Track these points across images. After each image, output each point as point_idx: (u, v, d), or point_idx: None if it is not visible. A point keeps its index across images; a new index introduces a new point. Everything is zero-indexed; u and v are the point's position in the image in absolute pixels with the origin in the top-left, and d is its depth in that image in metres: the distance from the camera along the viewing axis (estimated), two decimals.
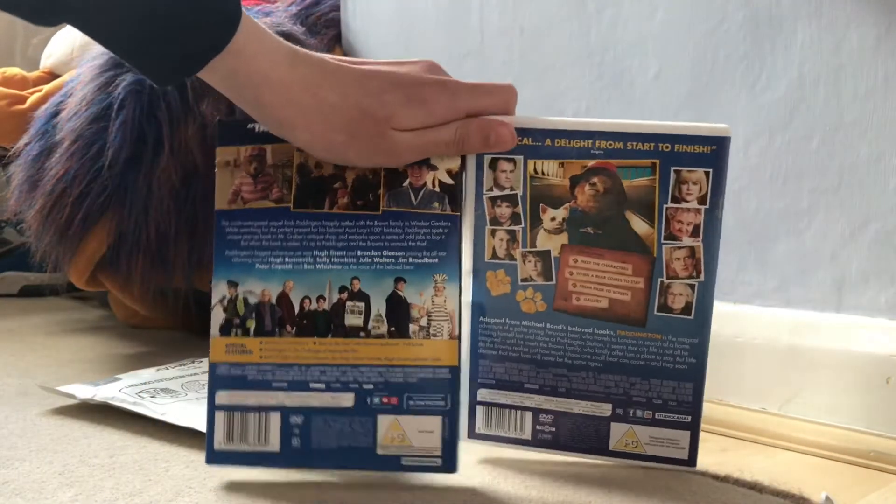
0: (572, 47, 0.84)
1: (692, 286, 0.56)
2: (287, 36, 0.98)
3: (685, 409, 0.58)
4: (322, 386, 0.57)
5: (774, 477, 0.59)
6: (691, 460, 0.58)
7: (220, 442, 0.58)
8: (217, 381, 0.58)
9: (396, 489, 0.56)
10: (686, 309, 0.56)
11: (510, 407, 0.60)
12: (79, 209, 0.91)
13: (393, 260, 0.57)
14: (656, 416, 0.58)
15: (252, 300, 0.58)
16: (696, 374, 0.57)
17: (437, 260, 0.57)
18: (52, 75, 1.29)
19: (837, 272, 0.68)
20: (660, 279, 0.56)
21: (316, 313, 0.58)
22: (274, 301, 0.58)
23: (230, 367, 0.58)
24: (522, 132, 0.57)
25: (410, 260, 0.57)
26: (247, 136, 0.59)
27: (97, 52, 0.96)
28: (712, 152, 0.55)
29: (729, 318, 0.73)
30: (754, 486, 0.57)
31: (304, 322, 0.58)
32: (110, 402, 0.72)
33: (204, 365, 0.85)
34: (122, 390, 0.74)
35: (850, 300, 0.68)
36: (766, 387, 0.70)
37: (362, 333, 0.57)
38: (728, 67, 0.73)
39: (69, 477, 0.59)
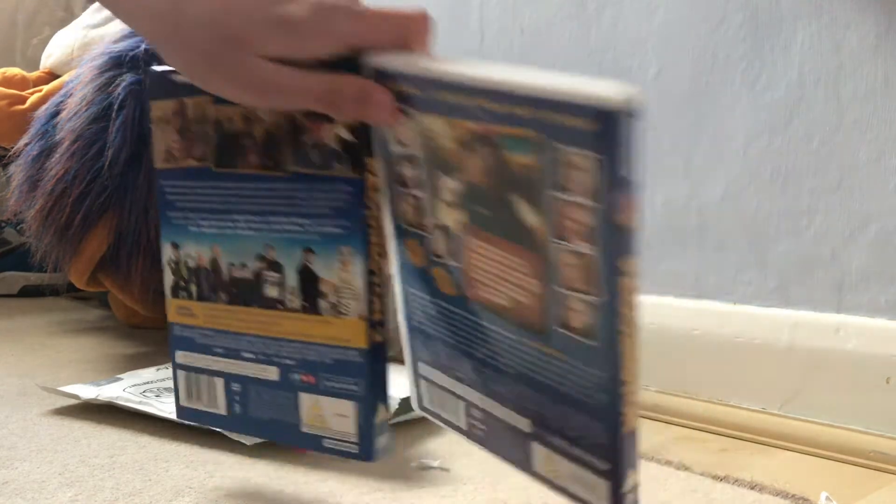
0: (572, 47, 0.84)
1: (592, 305, 0.39)
2: None
3: (600, 454, 0.41)
4: (252, 356, 0.54)
5: (774, 477, 0.59)
6: None
7: (183, 399, 0.58)
8: (175, 342, 0.57)
9: (397, 490, 0.57)
10: (587, 332, 0.40)
11: (447, 391, 0.51)
12: (79, 209, 0.91)
13: (301, 228, 0.50)
14: (573, 451, 0.43)
15: (191, 263, 0.55)
16: (609, 416, 0.40)
17: (341, 230, 0.49)
18: (52, 75, 1.29)
19: (837, 272, 0.68)
20: (554, 286, 0.41)
21: (241, 281, 0.53)
22: (208, 266, 0.54)
23: (182, 329, 0.57)
24: (410, 80, 0.44)
25: (316, 228, 0.50)
26: (172, 89, 0.53)
27: (97, 53, 0.96)
28: (599, 131, 0.35)
29: (729, 318, 0.73)
30: (754, 486, 0.57)
31: (234, 290, 0.54)
32: (115, 401, 0.72)
33: None
34: (125, 390, 0.74)
35: (850, 300, 0.68)
36: (766, 387, 0.70)
37: (279, 306, 0.52)
38: (728, 67, 0.73)
39: (69, 477, 0.59)
